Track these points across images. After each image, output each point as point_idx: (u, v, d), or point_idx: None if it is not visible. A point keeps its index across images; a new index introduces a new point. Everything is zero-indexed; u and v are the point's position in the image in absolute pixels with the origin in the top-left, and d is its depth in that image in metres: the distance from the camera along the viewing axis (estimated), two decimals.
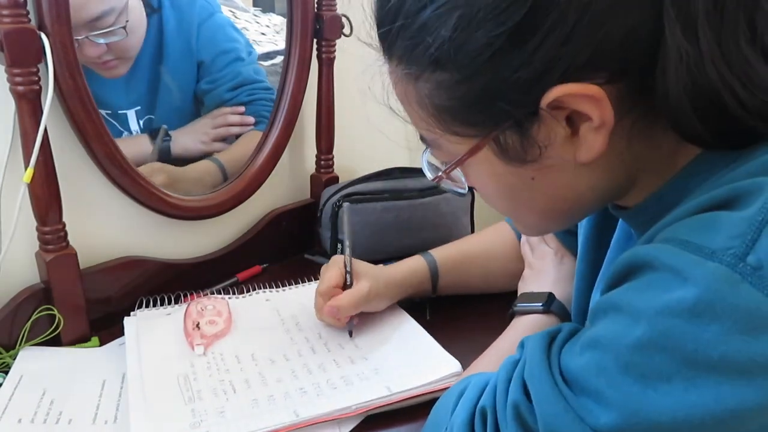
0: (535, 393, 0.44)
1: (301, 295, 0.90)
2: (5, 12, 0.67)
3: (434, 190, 1.04)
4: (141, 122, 0.90)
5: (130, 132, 0.90)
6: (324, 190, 1.05)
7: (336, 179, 1.08)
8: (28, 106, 0.70)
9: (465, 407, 0.51)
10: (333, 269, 0.81)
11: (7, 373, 0.74)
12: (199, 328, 0.78)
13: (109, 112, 0.87)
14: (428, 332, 0.81)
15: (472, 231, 1.10)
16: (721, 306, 0.36)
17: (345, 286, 0.80)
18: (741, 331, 0.36)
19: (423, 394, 0.70)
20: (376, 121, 1.23)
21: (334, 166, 1.08)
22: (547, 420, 0.43)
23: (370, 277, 0.81)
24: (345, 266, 0.81)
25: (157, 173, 0.89)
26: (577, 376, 0.42)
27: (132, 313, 0.83)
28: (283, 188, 1.06)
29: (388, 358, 0.76)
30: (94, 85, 0.76)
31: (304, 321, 0.84)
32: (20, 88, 0.69)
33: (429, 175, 0.61)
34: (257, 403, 0.68)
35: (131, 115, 0.89)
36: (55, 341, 0.79)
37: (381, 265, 0.87)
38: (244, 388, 0.70)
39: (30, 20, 0.69)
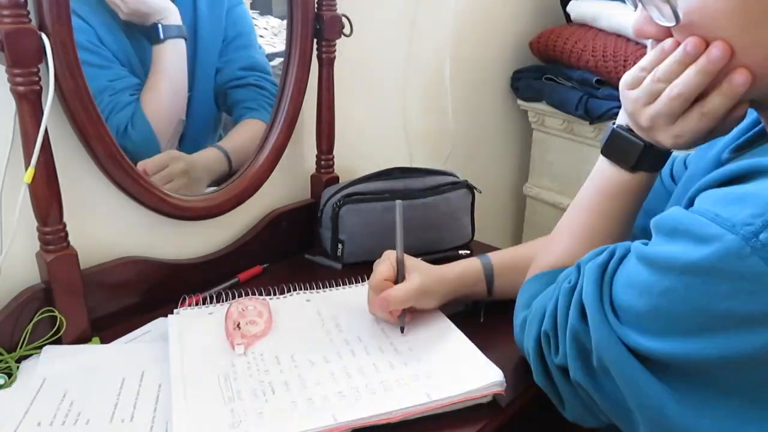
0: (590, 319, 0.56)
1: (343, 296, 0.90)
2: (6, 12, 0.67)
3: (434, 190, 1.04)
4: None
5: None
6: (324, 190, 1.05)
7: (336, 179, 1.08)
8: (29, 106, 0.70)
9: (531, 334, 0.64)
10: (384, 263, 0.81)
11: (8, 374, 0.74)
12: (239, 328, 0.79)
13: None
14: (479, 335, 0.79)
15: (473, 231, 1.10)
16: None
17: (397, 281, 0.80)
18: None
19: (462, 401, 0.69)
20: (376, 121, 1.25)
21: (335, 166, 1.08)
22: (599, 343, 0.55)
23: (422, 272, 0.81)
24: (397, 261, 0.80)
25: (176, 160, 0.91)
26: (622, 306, 0.54)
27: (175, 311, 0.83)
28: (283, 188, 1.06)
29: (429, 364, 0.75)
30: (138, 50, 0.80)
31: (345, 323, 0.83)
32: (21, 88, 0.69)
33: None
34: (296, 406, 0.67)
35: None
36: (56, 343, 0.79)
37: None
38: (283, 390, 0.70)
39: (30, 20, 0.69)
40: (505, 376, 0.71)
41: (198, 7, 0.92)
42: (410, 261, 0.82)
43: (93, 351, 0.79)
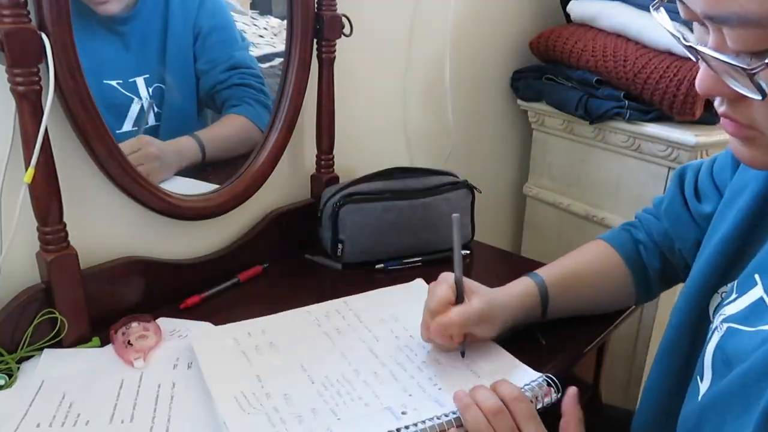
0: None
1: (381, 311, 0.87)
2: (6, 12, 0.67)
3: (434, 190, 1.04)
4: (150, 90, 0.91)
5: (140, 98, 0.90)
6: (324, 190, 1.05)
7: (336, 179, 1.08)
8: (29, 106, 0.70)
9: None
10: (442, 285, 0.75)
11: (9, 375, 0.74)
12: (131, 344, 0.79)
13: (121, 81, 0.88)
14: (544, 357, 0.77)
15: (473, 231, 1.10)
16: None
17: (456, 303, 0.75)
18: None
19: None
20: (376, 122, 1.25)
21: (335, 166, 1.08)
22: None
23: (483, 296, 0.75)
24: (455, 283, 0.75)
25: (147, 145, 0.90)
26: None
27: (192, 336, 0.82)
28: (283, 188, 1.06)
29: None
30: (106, 53, 0.79)
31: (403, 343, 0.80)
32: (21, 88, 0.69)
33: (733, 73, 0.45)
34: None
35: (140, 82, 0.90)
36: (57, 343, 0.79)
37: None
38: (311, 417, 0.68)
39: (30, 20, 0.69)
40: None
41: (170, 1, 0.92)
42: (469, 284, 0.77)
43: (92, 353, 0.80)
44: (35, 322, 0.77)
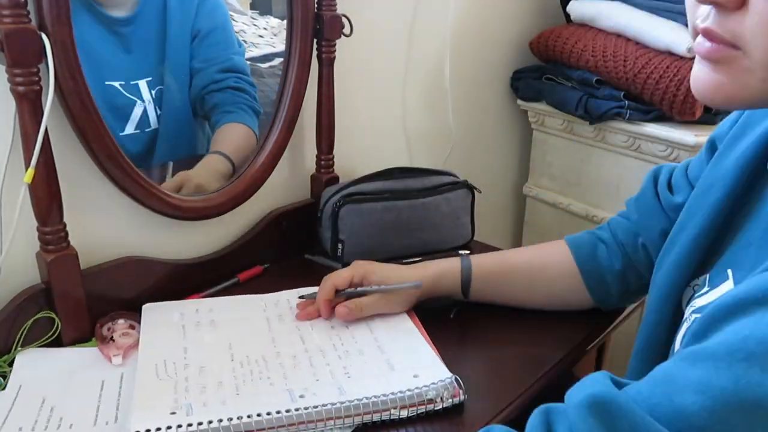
0: None
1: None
2: (6, 12, 0.67)
3: (434, 189, 1.04)
4: (153, 92, 0.91)
5: (143, 101, 0.90)
6: (324, 190, 1.05)
7: (336, 179, 1.08)
8: (29, 106, 0.70)
9: None
10: (341, 272, 0.84)
11: (3, 376, 0.73)
12: (113, 341, 0.80)
13: (123, 83, 0.88)
14: (449, 331, 0.82)
15: (473, 231, 1.10)
16: None
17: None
18: None
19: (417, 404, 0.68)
20: (376, 122, 1.25)
21: (335, 166, 1.08)
22: None
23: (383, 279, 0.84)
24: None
25: (188, 180, 0.93)
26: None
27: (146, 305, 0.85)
28: (283, 188, 1.06)
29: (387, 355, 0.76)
30: (108, 54, 0.79)
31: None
32: (21, 88, 0.69)
33: None
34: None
35: (143, 85, 0.90)
36: (55, 343, 0.79)
37: (414, 263, 0.88)
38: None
39: (30, 20, 0.69)
40: (469, 390, 0.70)
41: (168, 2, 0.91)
42: (372, 267, 0.85)
43: (68, 354, 0.78)
44: (28, 324, 0.77)
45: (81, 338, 0.81)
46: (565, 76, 1.34)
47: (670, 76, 1.15)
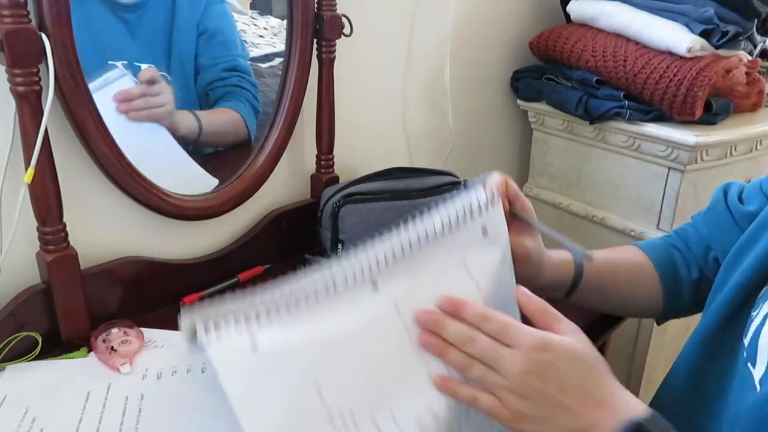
0: None
1: None
2: (6, 12, 0.67)
3: (434, 190, 1.04)
4: None
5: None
6: (324, 190, 1.05)
7: (336, 179, 1.08)
8: (29, 106, 0.70)
9: None
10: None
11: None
12: (115, 350, 0.78)
13: (125, 63, 0.89)
14: None
15: None
16: None
17: None
18: None
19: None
20: (376, 122, 1.25)
21: (335, 166, 1.08)
22: None
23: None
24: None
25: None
26: None
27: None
28: (283, 188, 1.06)
29: None
30: (112, 37, 0.81)
31: None
32: (21, 88, 0.69)
33: None
34: None
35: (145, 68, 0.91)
36: (54, 344, 0.79)
37: None
38: None
39: (30, 20, 0.69)
40: None
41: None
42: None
43: (57, 366, 0.77)
44: (10, 343, 0.75)
45: (81, 338, 0.81)
46: (565, 76, 1.34)
47: (670, 76, 1.15)
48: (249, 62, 1.03)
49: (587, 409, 0.52)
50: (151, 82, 0.89)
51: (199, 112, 0.98)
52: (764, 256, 0.64)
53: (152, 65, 0.91)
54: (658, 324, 0.84)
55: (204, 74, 0.98)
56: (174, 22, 0.93)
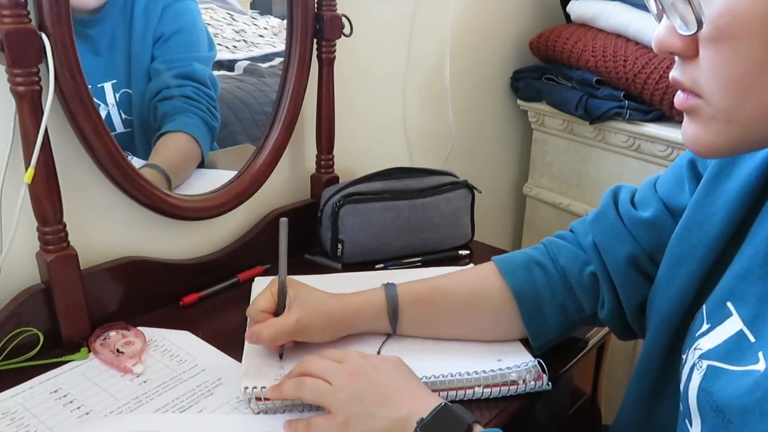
0: None
1: None
2: (6, 12, 0.67)
3: (434, 189, 1.04)
4: (117, 95, 0.88)
5: (107, 104, 0.87)
6: (324, 190, 1.05)
7: (336, 179, 1.08)
8: (29, 106, 0.70)
9: None
10: (265, 293, 0.75)
11: None
12: (121, 352, 0.78)
13: (90, 87, 0.82)
14: (545, 357, 0.73)
15: (473, 231, 1.10)
16: None
17: (277, 313, 0.74)
18: None
19: None
20: (376, 121, 1.25)
21: (335, 166, 1.08)
22: None
23: (306, 307, 0.74)
24: (278, 291, 0.74)
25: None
26: None
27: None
28: (283, 188, 1.06)
29: None
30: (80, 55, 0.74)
31: None
32: (21, 88, 0.69)
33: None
34: None
35: (108, 88, 0.88)
36: (54, 344, 0.79)
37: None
38: None
39: (30, 20, 0.69)
40: None
41: (135, 6, 0.88)
42: (298, 290, 0.75)
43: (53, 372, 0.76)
44: (10, 343, 0.75)
45: (80, 338, 0.81)
46: (565, 76, 1.34)
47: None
48: (248, 61, 1.00)
49: (406, 402, 0.61)
50: None
51: (159, 161, 0.90)
52: (683, 292, 0.61)
53: (114, 80, 0.87)
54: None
55: (154, 82, 0.91)
56: (132, 33, 0.89)
